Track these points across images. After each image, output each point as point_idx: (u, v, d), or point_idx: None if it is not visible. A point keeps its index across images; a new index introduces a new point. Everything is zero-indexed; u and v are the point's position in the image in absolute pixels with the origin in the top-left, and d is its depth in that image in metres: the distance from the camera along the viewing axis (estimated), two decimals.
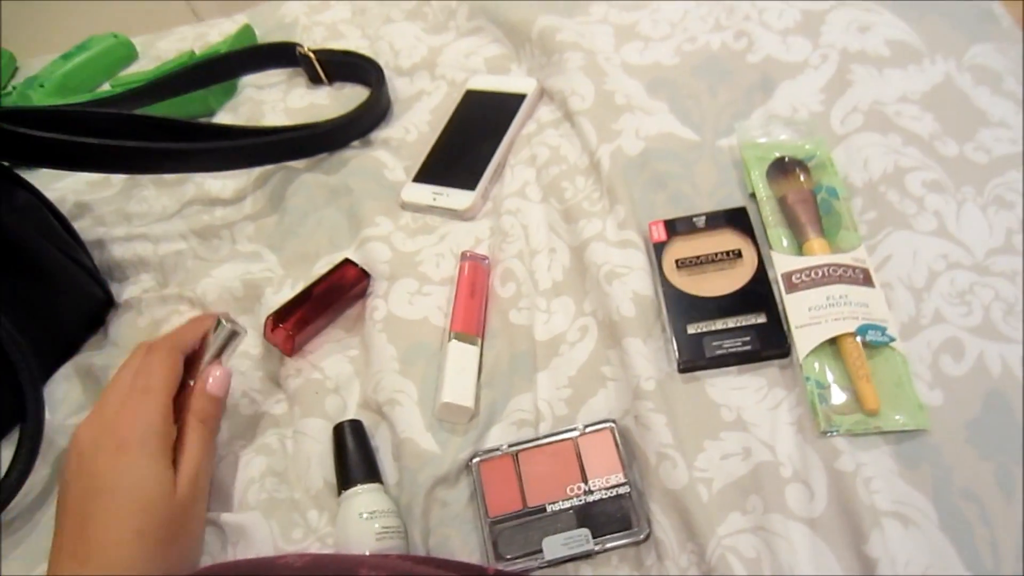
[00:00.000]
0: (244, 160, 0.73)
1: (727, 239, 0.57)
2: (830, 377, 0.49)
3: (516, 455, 0.51)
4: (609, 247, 0.59)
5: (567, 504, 0.48)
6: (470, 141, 0.73)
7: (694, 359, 0.51)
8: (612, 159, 0.64)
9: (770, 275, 0.54)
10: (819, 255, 0.53)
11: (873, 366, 0.48)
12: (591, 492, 0.49)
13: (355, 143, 0.78)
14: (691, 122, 0.66)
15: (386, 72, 0.84)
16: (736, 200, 0.60)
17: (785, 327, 0.51)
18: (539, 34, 0.77)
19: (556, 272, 0.60)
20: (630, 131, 0.66)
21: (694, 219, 0.58)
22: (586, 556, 0.47)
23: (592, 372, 0.54)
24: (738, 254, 0.55)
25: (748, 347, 0.50)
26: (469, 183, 0.69)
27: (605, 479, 0.49)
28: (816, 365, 0.49)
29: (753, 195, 0.59)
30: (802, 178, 0.58)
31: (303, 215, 0.72)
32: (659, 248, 0.57)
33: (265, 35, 0.99)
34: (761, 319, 0.52)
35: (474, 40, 0.85)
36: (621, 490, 0.48)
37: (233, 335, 0.55)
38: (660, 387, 0.50)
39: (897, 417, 0.46)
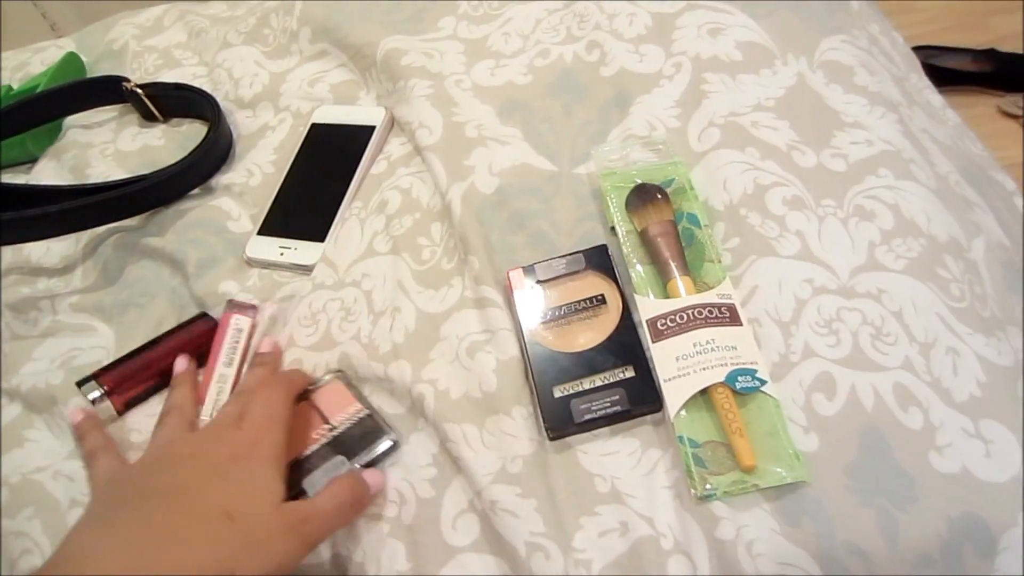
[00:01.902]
0: (66, 226, 0.66)
1: (590, 283, 0.53)
2: (704, 433, 0.46)
3: None
4: (467, 314, 0.55)
5: (317, 446, 0.51)
6: (317, 184, 0.68)
7: (562, 426, 0.48)
8: (464, 202, 0.59)
9: (635, 318, 0.52)
10: (683, 296, 0.50)
11: (747, 415, 0.46)
12: (335, 428, 0.52)
13: (195, 191, 0.72)
14: (547, 149, 0.62)
15: (226, 105, 0.78)
16: (598, 235, 0.57)
17: (655, 379, 0.49)
18: (384, 58, 0.72)
19: (397, 333, 0.56)
20: (483, 167, 0.61)
21: (553, 263, 0.54)
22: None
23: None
24: (602, 300, 0.52)
25: (618, 407, 0.48)
26: (317, 234, 0.64)
27: (345, 412, 0.52)
28: (688, 421, 0.47)
29: (614, 229, 0.56)
30: (662, 207, 0.55)
31: (139, 281, 0.66)
32: (519, 299, 0.53)
33: (93, 63, 0.91)
34: (629, 373, 0.49)
35: (319, 65, 0.79)
36: (362, 414, 0.52)
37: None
38: (528, 466, 0.47)
39: (777, 470, 0.44)
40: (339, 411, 0.52)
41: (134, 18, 0.92)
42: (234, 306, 0.58)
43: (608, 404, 0.48)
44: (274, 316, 0.60)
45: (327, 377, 0.55)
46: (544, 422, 0.48)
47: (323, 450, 0.51)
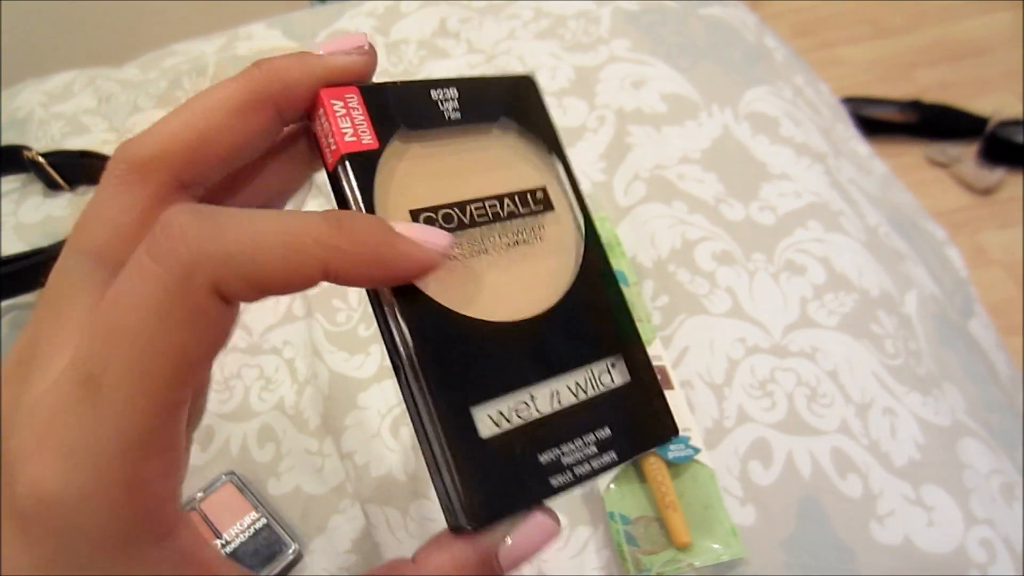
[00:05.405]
0: None
1: (509, 161, 0.26)
2: (635, 508, 0.43)
3: None
4: (387, 384, 0.51)
5: None
6: None
7: (502, 507, 0.21)
8: None
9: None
10: None
11: (680, 487, 0.43)
12: (230, 543, 0.45)
13: None
14: None
15: None
16: None
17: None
18: None
19: (316, 405, 0.52)
20: None
21: (434, 95, 0.25)
22: None
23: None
24: (545, 201, 0.26)
25: (611, 455, 0.23)
26: None
27: (240, 524, 0.46)
28: (618, 495, 0.43)
29: None
30: None
31: None
32: (363, 174, 0.22)
33: None
34: (619, 375, 0.24)
35: None
36: (259, 524, 0.46)
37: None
38: None
39: (713, 546, 0.41)
40: (232, 522, 0.47)
41: (42, 85, 0.88)
42: None
43: (594, 448, 0.23)
44: None
45: (217, 483, 0.48)
46: (462, 500, 0.21)
47: None
